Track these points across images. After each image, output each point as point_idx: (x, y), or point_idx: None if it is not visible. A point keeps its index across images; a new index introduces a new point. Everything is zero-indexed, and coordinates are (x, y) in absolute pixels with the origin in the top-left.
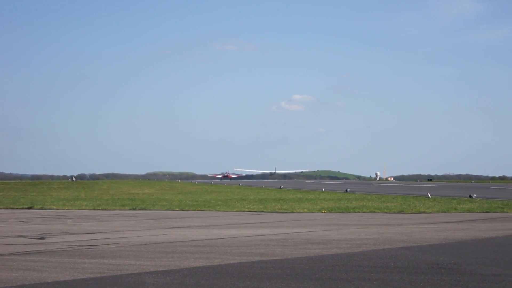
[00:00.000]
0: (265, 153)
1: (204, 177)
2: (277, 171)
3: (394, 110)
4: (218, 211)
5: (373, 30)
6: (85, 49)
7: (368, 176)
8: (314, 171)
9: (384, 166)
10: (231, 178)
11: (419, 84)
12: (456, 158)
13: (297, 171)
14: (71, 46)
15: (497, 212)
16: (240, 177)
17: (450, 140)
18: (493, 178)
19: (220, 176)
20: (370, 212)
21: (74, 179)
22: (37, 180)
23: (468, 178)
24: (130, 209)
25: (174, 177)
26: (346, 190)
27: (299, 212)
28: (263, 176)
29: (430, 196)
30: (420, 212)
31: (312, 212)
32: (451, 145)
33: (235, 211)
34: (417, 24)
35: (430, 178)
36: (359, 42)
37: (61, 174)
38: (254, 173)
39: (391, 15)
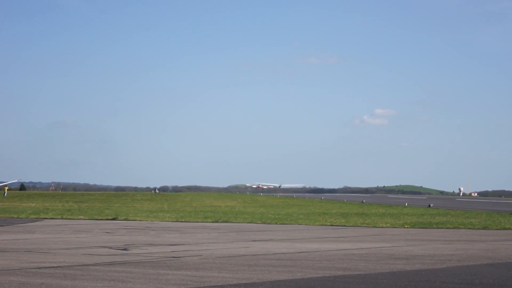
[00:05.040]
0: (347, 166)
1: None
2: (282, 186)
3: (479, 125)
4: (300, 224)
5: (457, 43)
6: (169, 63)
7: (451, 191)
8: (396, 186)
9: (467, 182)
10: (263, 189)
11: (504, 98)
12: None
13: (301, 185)
14: (156, 60)
15: None
16: (269, 189)
17: None
18: None
19: (255, 186)
20: (454, 228)
21: (157, 191)
22: (121, 191)
23: None
24: (213, 222)
25: (255, 190)
26: (429, 205)
27: (382, 227)
28: (272, 190)
29: None
30: (505, 229)
31: (395, 227)
32: None
33: (317, 225)
34: (503, 37)
35: None
36: (443, 56)
37: (144, 186)
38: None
39: (476, 28)
